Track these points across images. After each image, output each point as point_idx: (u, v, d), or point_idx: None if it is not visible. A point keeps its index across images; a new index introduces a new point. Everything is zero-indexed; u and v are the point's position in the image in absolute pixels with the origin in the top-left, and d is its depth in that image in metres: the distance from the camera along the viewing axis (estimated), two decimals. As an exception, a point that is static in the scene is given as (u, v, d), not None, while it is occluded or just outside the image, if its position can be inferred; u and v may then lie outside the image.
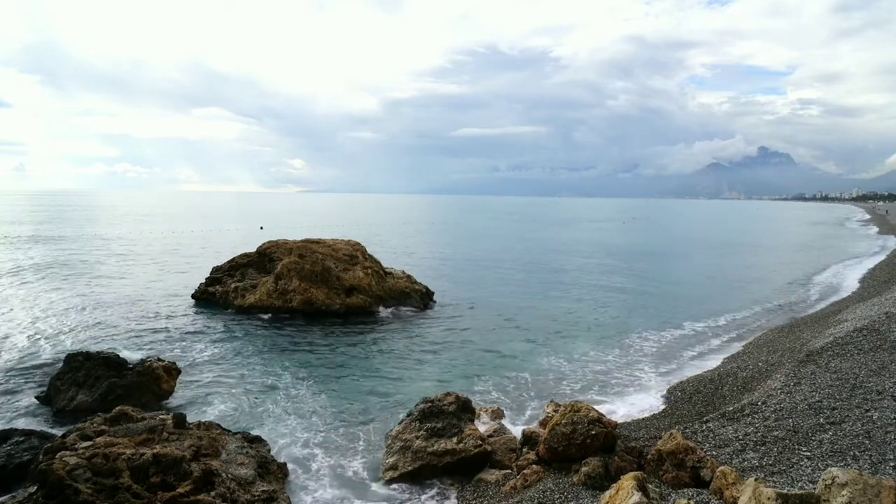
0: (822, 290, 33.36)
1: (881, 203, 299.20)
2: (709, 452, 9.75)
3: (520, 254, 54.03)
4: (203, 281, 29.14)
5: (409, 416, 12.80)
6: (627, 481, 7.37)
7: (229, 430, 11.76)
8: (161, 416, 11.14)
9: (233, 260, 29.83)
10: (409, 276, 29.96)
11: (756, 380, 15.07)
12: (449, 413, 12.40)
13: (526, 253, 54.97)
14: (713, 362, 19.03)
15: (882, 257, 48.81)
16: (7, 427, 12.31)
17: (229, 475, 9.76)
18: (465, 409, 12.83)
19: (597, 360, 19.51)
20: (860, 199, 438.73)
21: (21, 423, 13.27)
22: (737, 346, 21.02)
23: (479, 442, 11.71)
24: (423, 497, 10.91)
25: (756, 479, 6.61)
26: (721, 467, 8.17)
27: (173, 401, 15.29)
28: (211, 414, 14.42)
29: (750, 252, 59.22)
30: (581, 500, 9.07)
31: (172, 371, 15.93)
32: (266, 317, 24.98)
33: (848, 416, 10.61)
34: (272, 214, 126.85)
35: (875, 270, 39.82)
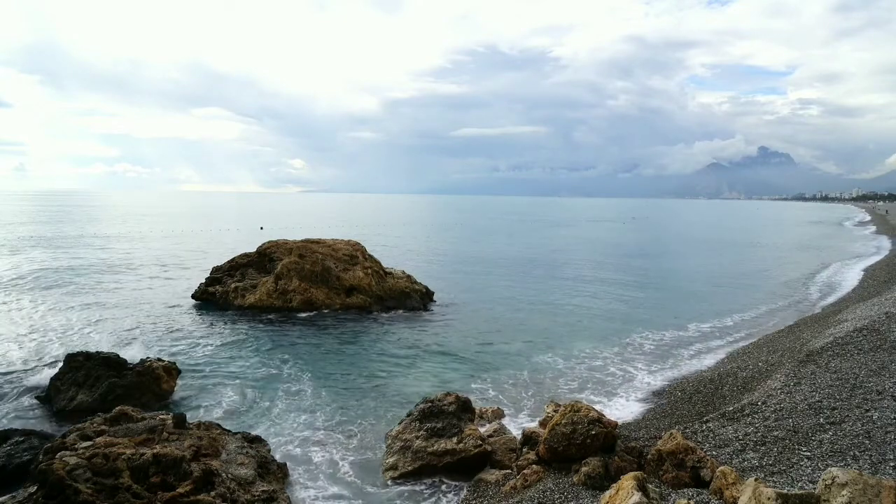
0: (822, 290, 33.37)
1: (881, 203, 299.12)
2: (709, 452, 9.75)
3: (520, 254, 54.05)
4: (203, 281, 29.13)
5: (409, 416, 12.80)
6: (627, 481, 7.36)
7: (229, 430, 11.76)
8: (161, 416, 11.14)
9: (233, 260, 29.83)
10: (409, 276, 29.96)
11: (756, 380, 15.07)
12: (449, 413, 12.40)
13: (526, 253, 54.98)
14: (713, 362, 19.04)
15: (882, 257, 48.84)
16: (7, 427, 12.32)
17: (229, 475, 9.76)
18: (465, 409, 12.83)
19: (597, 360, 19.51)
20: (860, 199, 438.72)
21: (21, 423, 13.27)
22: (737, 346, 21.02)
23: (479, 442, 11.71)
24: (423, 497, 10.91)
25: (756, 479, 6.61)
26: (721, 467, 8.17)
27: (173, 401, 15.29)
28: (211, 414, 14.43)
29: (749, 252, 59.26)
30: (581, 500, 9.07)
31: (172, 371, 15.94)
32: (266, 317, 24.98)
33: (848, 416, 10.61)
34: (272, 214, 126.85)
35: (875, 270, 39.83)
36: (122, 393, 14.39)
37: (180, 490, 8.93)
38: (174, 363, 16.42)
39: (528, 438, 11.62)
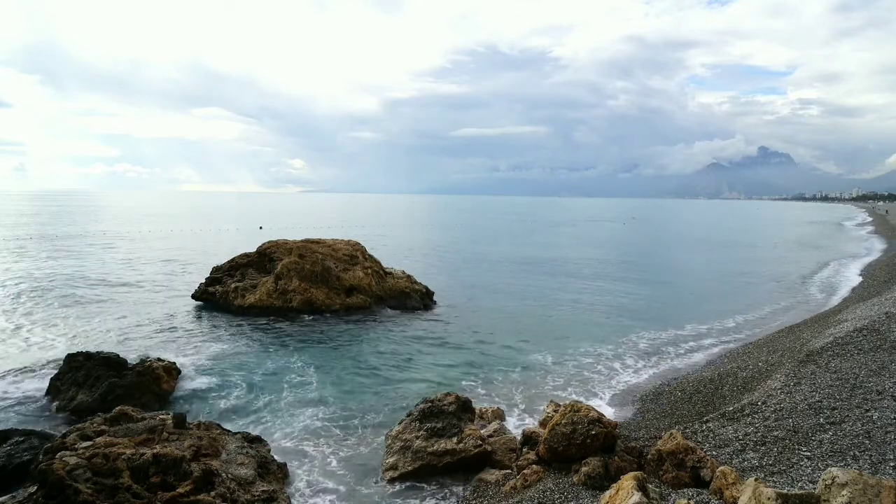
0: (822, 290, 33.39)
1: (881, 203, 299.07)
2: (709, 452, 9.74)
3: (520, 253, 54.02)
4: (203, 281, 29.11)
5: (409, 416, 12.80)
6: (627, 481, 7.36)
7: (229, 430, 11.76)
8: (161, 416, 11.14)
9: (233, 260, 29.80)
10: (409, 276, 29.96)
11: (756, 380, 15.07)
12: (449, 413, 12.40)
13: (526, 253, 54.96)
14: (712, 362, 19.04)
15: (881, 257, 48.83)
16: (7, 427, 12.31)
17: (229, 475, 9.76)
18: (465, 409, 12.83)
19: (597, 360, 19.51)
20: (860, 199, 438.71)
21: (21, 423, 13.26)
22: (737, 346, 21.02)
23: (479, 442, 11.71)
24: (423, 497, 10.91)
25: (756, 479, 6.61)
26: (721, 467, 8.17)
27: (173, 401, 15.29)
28: (211, 414, 14.43)
29: (749, 252, 59.25)
30: (581, 500, 9.07)
31: (172, 371, 15.95)
32: (266, 317, 24.97)
33: (848, 416, 10.61)
34: (272, 214, 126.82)
35: (875, 270, 39.82)
36: (122, 393, 14.38)
37: (180, 490, 8.93)
38: (174, 363, 16.42)
39: (528, 438, 11.62)
